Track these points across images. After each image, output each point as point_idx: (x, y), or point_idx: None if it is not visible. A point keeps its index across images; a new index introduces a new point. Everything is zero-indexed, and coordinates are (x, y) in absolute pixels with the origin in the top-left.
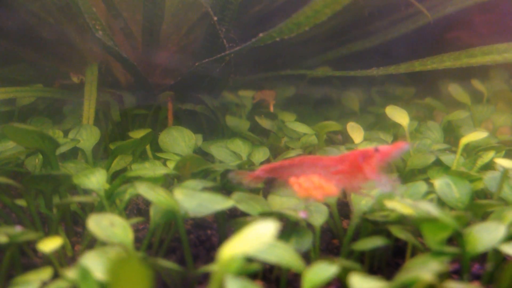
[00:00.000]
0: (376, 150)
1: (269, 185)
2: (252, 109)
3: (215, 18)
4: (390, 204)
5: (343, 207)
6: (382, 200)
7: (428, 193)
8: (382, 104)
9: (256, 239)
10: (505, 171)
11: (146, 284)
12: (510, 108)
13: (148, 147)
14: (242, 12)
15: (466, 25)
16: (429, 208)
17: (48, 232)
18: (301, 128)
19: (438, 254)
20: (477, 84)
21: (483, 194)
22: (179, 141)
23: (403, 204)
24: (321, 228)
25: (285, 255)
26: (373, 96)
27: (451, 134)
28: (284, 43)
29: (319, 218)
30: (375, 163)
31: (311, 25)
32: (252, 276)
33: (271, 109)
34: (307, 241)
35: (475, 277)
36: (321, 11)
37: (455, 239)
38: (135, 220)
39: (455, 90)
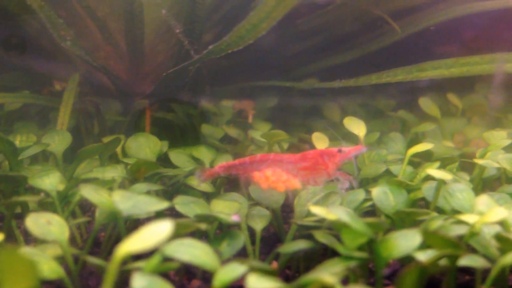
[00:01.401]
0: (339, 150)
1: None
2: (232, 119)
3: (177, 31)
4: (314, 209)
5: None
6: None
7: (365, 200)
8: (364, 116)
9: (151, 238)
10: (440, 181)
11: (31, 275)
12: (484, 122)
13: (120, 152)
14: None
15: (456, 40)
16: (341, 215)
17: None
18: (267, 136)
19: (346, 258)
20: (452, 97)
21: (424, 203)
22: (144, 147)
23: (324, 209)
24: (269, 232)
25: (200, 255)
26: (356, 108)
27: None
28: (274, 55)
29: (260, 223)
30: (337, 162)
31: (253, 38)
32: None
33: (250, 119)
34: (238, 243)
35: None
36: (258, 25)
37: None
38: (81, 220)
39: (424, 103)
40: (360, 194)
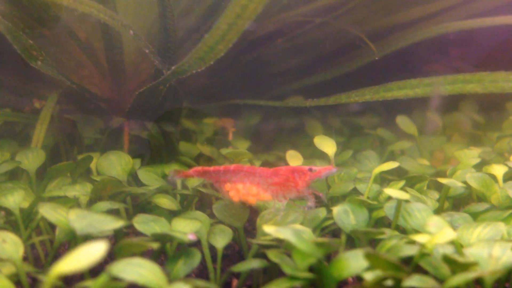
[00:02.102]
0: (310, 169)
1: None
2: (212, 136)
3: (147, 51)
4: (266, 229)
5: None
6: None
7: (327, 219)
8: (347, 133)
9: (84, 259)
10: (399, 201)
11: None
12: (464, 140)
13: (95, 169)
14: None
15: (443, 57)
16: (288, 235)
17: None
18: (231, 154)
19: (292, 278)
20: (432, 115)
21: (387, 221)
22: (116, 165)
23: (275, 229)
24: (234, 250)
25: (147, 274)
26: (340, 125)
27: None
28: (257, 74)
29: (221, 241)
30: (307, 180)
31: (212, 59)
32: None
33: (230, 136)
34: (194, 262)
35: None
36: (215, 47)
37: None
38: (39, 238)
39: (402, 121)
40: (321, 213)
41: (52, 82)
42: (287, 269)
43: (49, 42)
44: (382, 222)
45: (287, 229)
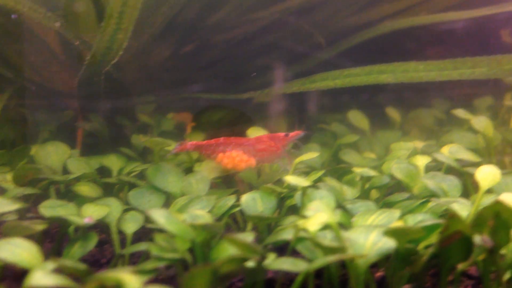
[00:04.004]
0: (286, 135)
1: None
2: (169, 130)
3: (77, 43)
4: (151, 212)
5: None
6: None
7: (234, 206)
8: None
9: None
10: (303, 188)
11: None
12: (423, 135)
13: None
14: None
15: (419, 57)
16: (157, 217)
17: None
18: (150, 142)
19: (158, 259)
20: (390, 111)
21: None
22: (52, 155)
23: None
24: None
25: (21, 253)
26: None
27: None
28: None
29: (132, 227)
30: (284, 144)
31: (119, 49)
32: None
33: (188, 130)
34: (90, 245)
35: None
36: (115, 36)
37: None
38: None
39: (353, 116)
40: (230, 200)
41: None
42: (154, 250)
43: (13, 40)
44: (296, 209)
45: (159, 212)
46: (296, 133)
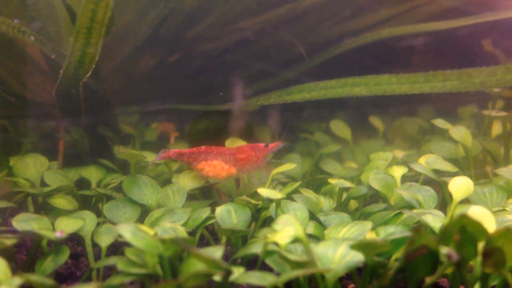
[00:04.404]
0: (266, 145)
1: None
2: (152, 140)
3: (52, 56)
4: (119, 227)
5: None
6: None
7: (209, 218)
8: (290, 139)
9: None
10: (277, 201)
11: None
12: (406, 144)
13: None
14: None
15: (406, 65)
16: (124, 232)
17: None
18: (126, 155)
19: (125, 275)
20: (373, 120)
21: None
22: (31, 167)
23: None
24: None
25: None
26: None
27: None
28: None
29: (106, 240)
30: (264, 155)
31: (91, 62)
32: None
33: (172, 140)
34: (62, 259)
35: None
36: (86, 50)
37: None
38: None
39: (336, 125)
40: (205, 212)
41: None
42: (120, 266)
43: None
44: (272, 221)
45: (126, 226)
46: (276, 144)
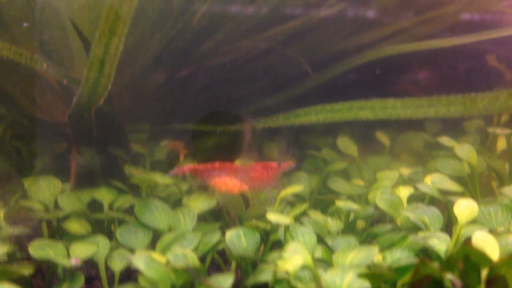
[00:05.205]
0: (279, 165)
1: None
2: (162, 159)
3: (65, 82)
4: (134, 257)
5: None
6: None
7: (220, 242)
8: (298, 155)
9: None
10: (285, 226)
11: None
12: (412, 160)
13: None
14: None
15: (412, 80)
16: (138, 262)
17: None
18: (139, 180)
19: None
20: (380, 135)
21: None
22: (45, 190)
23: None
24: None
25: None
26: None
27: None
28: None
29: (120, 264)
30: (276, 174)
31: (102, 94)
32: None
33: (181, 158)
34: (77, 284)
35: None
36: (98, 81)
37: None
38: None
39: (342, 142)
40: (216, 236)
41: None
42: None
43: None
44: (281, 243)
45: (140, 257)
46: (288, 164)
